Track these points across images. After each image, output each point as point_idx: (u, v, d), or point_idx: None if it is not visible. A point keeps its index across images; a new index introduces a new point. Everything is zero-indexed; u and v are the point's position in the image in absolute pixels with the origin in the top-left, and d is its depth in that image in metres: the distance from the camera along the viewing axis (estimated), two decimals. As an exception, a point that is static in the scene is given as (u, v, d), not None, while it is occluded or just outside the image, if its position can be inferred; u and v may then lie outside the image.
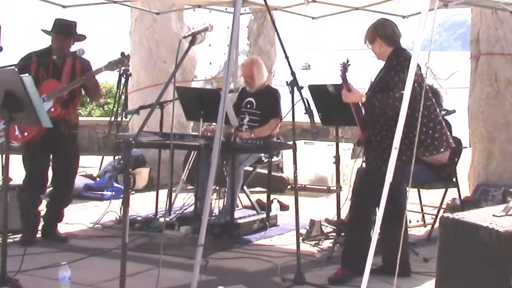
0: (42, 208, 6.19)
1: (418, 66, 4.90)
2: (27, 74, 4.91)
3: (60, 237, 6.14)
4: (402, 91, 4.71)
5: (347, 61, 5.33)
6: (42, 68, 5.92)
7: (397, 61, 5.06)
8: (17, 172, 6.05)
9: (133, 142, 4.07)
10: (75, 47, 6.06)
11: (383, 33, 5.19)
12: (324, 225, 6.47)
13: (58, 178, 6.14)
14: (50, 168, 6.15)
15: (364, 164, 5.60)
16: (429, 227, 6.66)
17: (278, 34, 5.34)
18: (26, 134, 5.83)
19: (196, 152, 7.31)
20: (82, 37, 6.11)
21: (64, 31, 6.01)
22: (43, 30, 6.10)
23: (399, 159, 4.38)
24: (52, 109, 5.85)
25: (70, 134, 6.07)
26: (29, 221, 5.98)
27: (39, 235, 6.10)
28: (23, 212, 5.97)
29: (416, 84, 4.72)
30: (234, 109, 7.07)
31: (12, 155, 4.89)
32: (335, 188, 6.96)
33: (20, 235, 5.94)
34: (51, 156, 6.09)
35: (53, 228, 6.17)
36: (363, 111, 5.29)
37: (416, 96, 4.77)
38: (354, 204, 5.36)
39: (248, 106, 7.13)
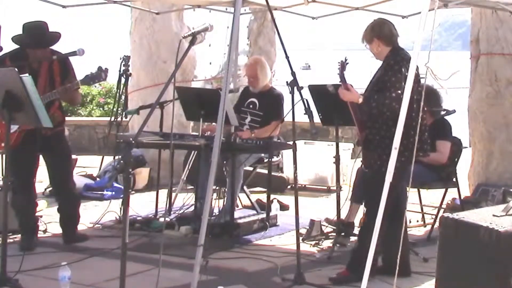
0: (42, 208, 6.19)
1: (416, 65, 4.90)
2: (26, 74, 4.90)
3: (80, 237, 6.04)
4: (399, 91, 4.72)
5: (345, 60, 5.32)
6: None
7: (395, 61, 5.05)
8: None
9: (133, 142, 4.07)
10: (75, 46, 5.92)
11: (380, 33, 5.18)
12: (324, 225, 6.47)
13: (54, 179, 6.06)
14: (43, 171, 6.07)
15: (362, 166, 5.59)
16: (429, 227, 6.66)
17: (279, 34, 5.34)
18: (3, 144, 5.54)
19: (196, 152, 7.31)
20: (57, 37, 5.78)
21: (39, 43, 5.68)
22: (14, 40, 5.76)
23: (398, 160, 4.37)
24: None
25: (54, 134, 5.83)
26: (28, 227, 5.89)
27: (55, 239, 6.05)
28: (20, 218, 5.87)
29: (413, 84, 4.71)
30: (235, 108, 7.08)
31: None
32: (335, 188, 6.95)
33: (20, 235, 5.93)
34: (38, 158, 5.94)
35: (71, 232, 6.05)
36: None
37: (412, 96, 4.76)
38: (367, 211, 5.32)
39: (251, 106, 7.13)
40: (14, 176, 5.74)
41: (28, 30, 5.76)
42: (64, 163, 6.09)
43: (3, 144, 5.62)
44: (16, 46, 5.84)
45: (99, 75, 5.78)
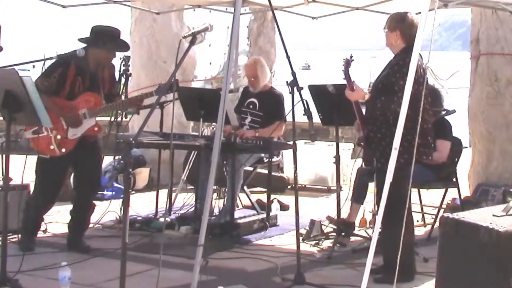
0: (50, 214, 6.15)
1: (423, 68, 4.88)
2: (28, 75, 4.89)
3: (84, 247, 5.85)
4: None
5: (351, 57, 5.29)
6: (80, 77, 5.69)
7: (404, 63, 4.98)
8: (17, 172, 6.03)
9: (133, 142, 4.06)
10: (75, 46, 5.93)
11: (406, 30, 5.10)
12: (324, 225, 6.47)
13: (82, 184, 5.91)
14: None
15: (363, 164, 5.59)
16: (429, 227, 6.66)
17: (280, 33, 5.33)
18: (63, 150, 5.64)
19: (196, 152, 7.31)
20: (126, 46, 5.89)
21: (110, 46, 5.73)
22: (80, 40, 5.77)
23: (397, 161, 4.36)
24: (96, 128, 5.74)
25: (94, 140, 5.90)
26: (29, 226, 5.84)
27: (62, 241, 6.01)
28: (30, 217, 5.82)
29: (417, 86, 4.69)
30: (236, 108, 7.09)
31: (12, 155, 4.89)
32: (335, 188, 6.96)
33: (20, 236, 5.91)
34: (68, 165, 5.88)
35: (78, 238, 5.93)
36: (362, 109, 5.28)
37: (419, 98, 4.71)
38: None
39: (251, 106, 7.13)
40: (42, 182, 5.78)
41: (100, 31, 5.79)
42: (97, 169, 6.04)
43: (63, 150, 5.66)
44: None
45: (171, 86, 5.83)
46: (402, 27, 5.13)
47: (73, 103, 5.69)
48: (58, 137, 5.64)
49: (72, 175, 6.18)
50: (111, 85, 5.95)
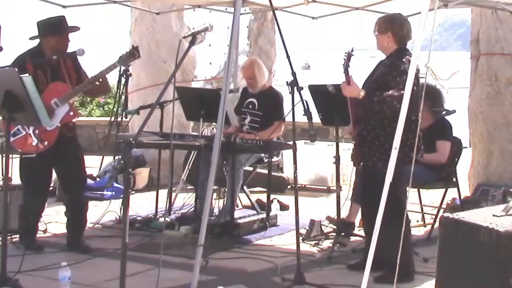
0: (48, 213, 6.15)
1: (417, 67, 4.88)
2: (27, 74, 4.89)
3: (84, 247, 5.85)
4: (403, 92, 4.69)
5: (352, 50, 5.28)
6: (39, 70, 5.67)
7: (400, 61, 5.01)
8: (17, 172, 6.04)
9: (133, 142, 4.07)
10: (75, 46, 5.95)
11: (397, 31, 5.11)
12: (324, 225, 6.47)
13: (69, 184, 5.92)
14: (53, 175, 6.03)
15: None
16: (429, 227, 6.66)
17: (281, 33, 5.33)
18: (46, 143, 5.60)
19: (196, 152, 7.31)
20: (75, 29, 5.83)
21: (60, 29, 5.73)
22: (32, 38, 5.79)
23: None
24: (71, 113, 5.70)
25: (72, 136, 5.86)
26: (29, 230, 5.83)
27: (62, 240, 6.01)
28: (27, 220, 5.80)
29: (414, 87, 4.69)
30: (236, 109, 7.09)
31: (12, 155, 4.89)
32: (335, 188, 6.96)
33: (20, 239, 5.89)
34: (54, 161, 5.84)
35: (78, 238, 5.93)
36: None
37: (413, 98, 4.72)
38: (363, 208, 5.32)
39: (250, 106, 7.13)
40: (28, 183, 5.76)
41: (45, 22, 5.77)
42: (79, 165, 5.98)
43: (46, 143, 5.61)
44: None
45: (133, 53, 5.82)
46: (393, 29, 5.14)
47: (41, 97, 5.63)
48: (37, 131, 5.56)
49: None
50: (77, 73, 5.86)
